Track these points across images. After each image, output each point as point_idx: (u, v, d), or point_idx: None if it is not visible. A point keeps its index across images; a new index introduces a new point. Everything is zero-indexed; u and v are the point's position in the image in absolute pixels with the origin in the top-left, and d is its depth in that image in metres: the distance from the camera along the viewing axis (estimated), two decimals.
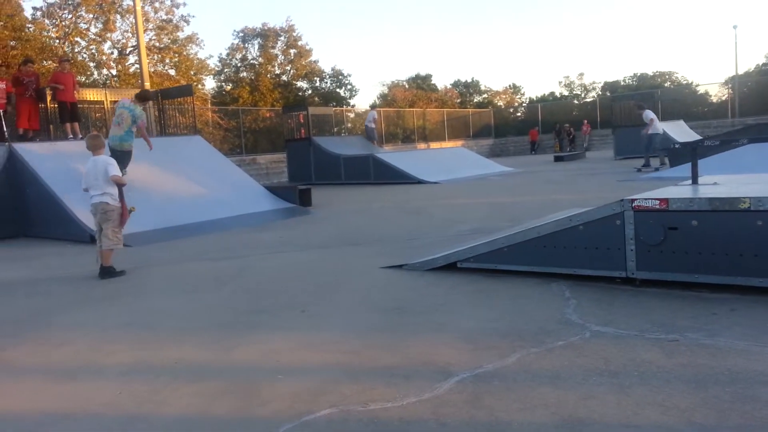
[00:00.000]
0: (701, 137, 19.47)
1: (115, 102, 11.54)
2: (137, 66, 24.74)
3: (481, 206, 9.73)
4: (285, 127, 20.40)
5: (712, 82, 58.34)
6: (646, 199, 4.04)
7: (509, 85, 59.76)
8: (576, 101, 51.69)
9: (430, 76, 55.59)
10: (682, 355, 2.76)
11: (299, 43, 41.83)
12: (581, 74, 61.05)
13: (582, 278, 4.25)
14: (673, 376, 2.54)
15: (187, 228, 8.79)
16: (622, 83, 51.79)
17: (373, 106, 23.67)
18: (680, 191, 4.43)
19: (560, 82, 61.51)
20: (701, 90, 43.36)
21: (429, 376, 2.74)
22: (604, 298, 3.84)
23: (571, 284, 4.18)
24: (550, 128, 35.91)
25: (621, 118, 22.04)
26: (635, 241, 4.02)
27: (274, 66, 41.90)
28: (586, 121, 34.34)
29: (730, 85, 37.36)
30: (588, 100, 48.93)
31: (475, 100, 56.40)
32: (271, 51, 41.03)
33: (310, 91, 44.34)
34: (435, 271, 4.93)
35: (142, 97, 9.71)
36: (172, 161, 10.79)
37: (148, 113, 11.90)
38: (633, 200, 4.05)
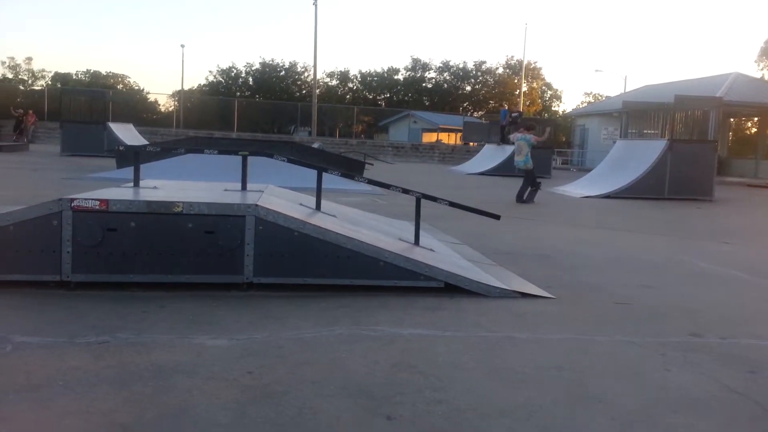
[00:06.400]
0: (148, 143, 20.49)
1: None
2: None
3: None
4: None
5: (162, 92, 62.58)
6: (86, 199, 3.91)
7: None
8: (22, 87, 46.89)
9: None
10: (111, 357, 2.76)
11: None
12: (29, 59, 55.84)
13: (11, 284, 3.77)
14: (99, 379, 2.51)
15: None
16: (74, 77, 49.76)
17: None
18: (121, 193, 4.49)
19: (4, 63, 54.16)
20: (152, 98, 46.03)
21: None
22: (33, 305, 3.51)
23: None
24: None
25: (71, 113, 20.97)
26: (72, 243, 3.83)
27: None
28: (31, 111, 31.26)
29: (176, 98, 40.99)
30: (36, 88, 45.02)
31: None
32: None
33: None
34: None
35: None
36: None
37: None
38: (72, 200, 3.87)
